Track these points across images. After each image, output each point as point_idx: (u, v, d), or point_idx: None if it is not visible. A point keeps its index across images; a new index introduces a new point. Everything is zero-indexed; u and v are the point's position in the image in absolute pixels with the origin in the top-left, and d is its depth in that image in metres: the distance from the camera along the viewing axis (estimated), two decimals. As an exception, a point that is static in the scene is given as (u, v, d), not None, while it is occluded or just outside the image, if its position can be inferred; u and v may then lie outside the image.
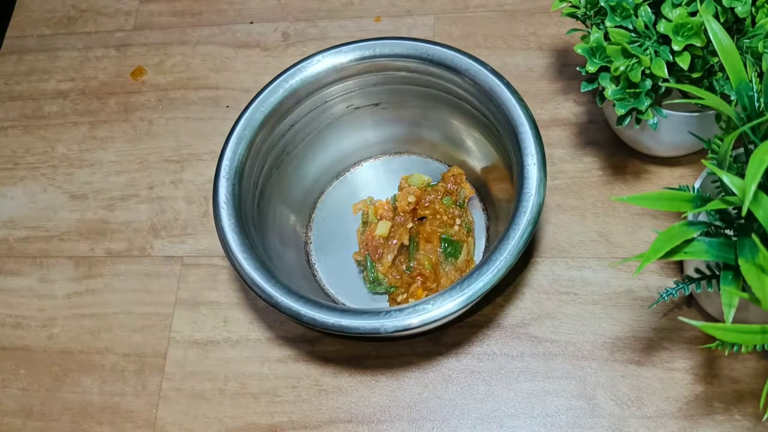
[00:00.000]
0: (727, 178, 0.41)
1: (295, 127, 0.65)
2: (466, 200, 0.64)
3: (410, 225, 0.63)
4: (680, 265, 0.62)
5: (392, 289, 0.62)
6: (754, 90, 0.47)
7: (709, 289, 0.49)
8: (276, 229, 0.65)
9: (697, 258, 0.44)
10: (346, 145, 0.69)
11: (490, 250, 0.55)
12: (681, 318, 0.59)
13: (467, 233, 0.64)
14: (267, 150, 0.63)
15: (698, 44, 0.51)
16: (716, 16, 0.51)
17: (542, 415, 0.58)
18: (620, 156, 0.67)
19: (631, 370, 0.59)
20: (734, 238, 0.44)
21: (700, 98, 0.46)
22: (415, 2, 0.79)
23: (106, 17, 0.84)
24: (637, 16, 0.53)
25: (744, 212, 0.39)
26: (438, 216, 0.63)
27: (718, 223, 0.48)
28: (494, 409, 0.59)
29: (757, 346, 0.41)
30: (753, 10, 0.52)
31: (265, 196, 0.63)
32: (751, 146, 0.46)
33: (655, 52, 0.53)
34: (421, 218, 0.64)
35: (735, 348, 0.44)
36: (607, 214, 0.65)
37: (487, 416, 0.59)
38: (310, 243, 0.67)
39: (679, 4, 0.52)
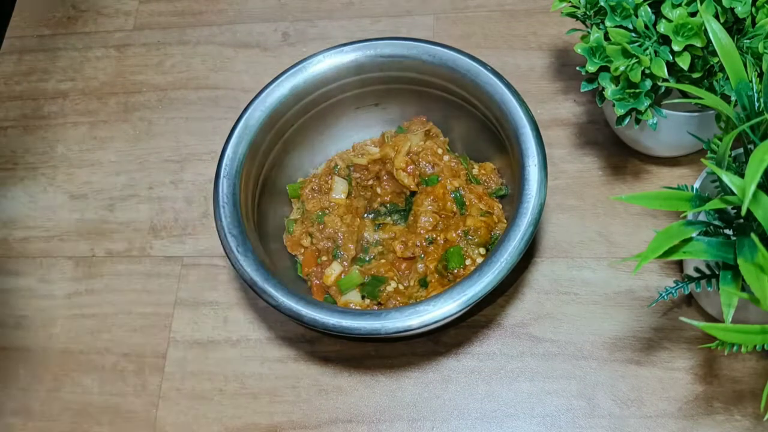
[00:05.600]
0: (727, 178, 0.41)
1: (295, 126, 0.65)
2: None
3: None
4: (680, 265, 0.62)
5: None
6: (754, 90, 0.47)
7: (709, 289, 0.50)
8: (276, 229, 0.65)
9: (696, 257, 0.44)
10: (346, 145, 0.69)
11: (491, 251, 0.55)
12: (681, 318, 0.59)
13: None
14: (267, 150, 0.63)
15: (698, 44, 0.51)
16: (716, 17, 0.51)
17: (542, 415, 0.58)
18: (620, 156, 0.67)
19: (631, 370, 0.59)
20: (733, 238, 0.45)
21: (699, 98, 0.46)
22: (415, 2, 0.79)
23: (106, 17, 0.84)
24: (637, 16, 0.53)
25: (743, 212, 0.39)
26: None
27: (717, 222, 0.48)
28: (494, 409, 0.59)
29: (757, 346, 0.41)
30: (753, 10, 0.52)
31: (265, 196, 0.63)
32: (750, 146, 0.46)
33: (655, 52, 0.53)
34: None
35: (735, 348, 0.44)
36: (607, 214, 0.65)
37: (487, 416, 0.59)
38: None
39: (679, 5, 0.52)
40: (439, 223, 0.61)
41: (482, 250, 0.60)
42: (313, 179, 0.65)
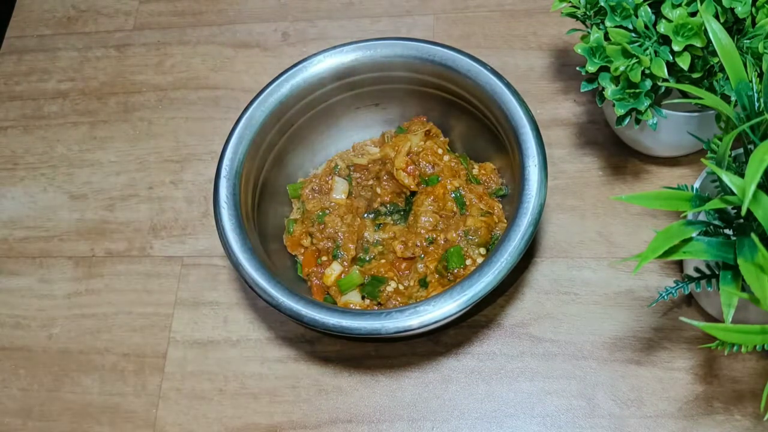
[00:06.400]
0: (727, 177, 0.41)
1: (295, 126, 0.65)
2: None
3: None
4: (680, 265, 0.62)
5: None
6: (754, 90, 0.47)
7: (709, 288, 0.50)
8: (276, 229, 0.65)
9: (696, 257, 0.44)
10: (346, 145, 0.69)
11: (491, 251, 0.55)
12: (681, 318, 0.59)
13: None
14: (267, 150, 0.63)
15: (698, 44, 0.51)
16: (716, 17, 0.51)
17: (542, 415, 0.58)
18: (620, 156, 0.67)
19: (631, 370, 0.59)
20: (733, 238, 0.45)
21: (699, 98, 0.46)
22: (415, 2, 0.79)
23: (106, 17, 0.84)
24: (637, 16, 0.53)
25: (743, 212, 0.39)
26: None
27: (717, 222, 0.48)
28: (494, 409, 0.59)
29: (757, 346, 0.41)
30: (753, 10, 0.52)
31: (265, 195, 0.63)
32: (750, 146, 0.46)
33: (655, 52, 0.53)
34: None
35: (735, 348, 0.44)
36: (607, 214, 0.65)
37: (487, 416, 0.59)
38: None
39: (679, 5, 0.52)
40: (440, 223, 0.61)
41: (482, 250, 0.60)
42: (314, 179, 0.65)
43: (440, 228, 0.61)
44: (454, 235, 0.60)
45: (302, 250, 0.63)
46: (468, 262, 0.59)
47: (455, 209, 0.61)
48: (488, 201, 0.62)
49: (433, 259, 0.60)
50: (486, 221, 0.60)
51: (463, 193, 0.62)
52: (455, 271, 0.59)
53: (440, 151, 0.64)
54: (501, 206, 0.63)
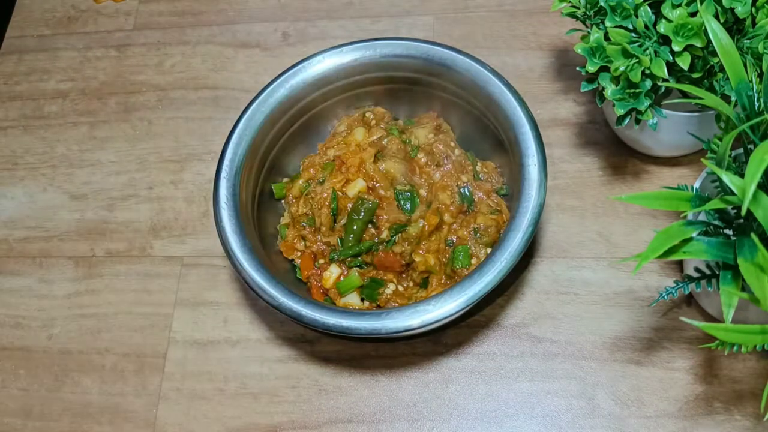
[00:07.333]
0: (727, 177, 0.41)
1: (296, 127, 0.65)
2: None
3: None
4: (680, 265, 0.62)
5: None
6: (754, 90, 0.47)
7: (709, 288, 0.50)
8: (276, 230, 0.65)
9: (696, 257, 0.44)
10: (346, 145, 0.69)
11: (491, 250, 0.55)
12: (682, 318, 0.59)
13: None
14: (267, 150, 0.63)
15: (698, 44, 0.51)
16: (716, 17, 0.51)
17: (542, 415, 0.58)
18: (620, 156, 0.67)
19: (631, 370, 0.59)
20: (733, 238, 0.45)
21: (699, 98, 0.46)
22: (415, 2, 0.79)
23: (106, 17, 0.84)
24: (637, 16, 0.53)
25: (743, 212, 0.39)
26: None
27: (717, 222, 0.48)
28: (494, 409, 0.59)
29: (757, 346, 0.41)
30: (753, 10, 0.52)
31: (265, 196, 0.63)
32: (750, 146, 0.46)
33: (655, 52, 0.53)
34: None
35: (735, 348, 0.44)
36: (607, 214, 0.65)
37: (487, 416, 0.59)
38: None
39: (679, 5, 0.52)
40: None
41: (488, 250, 0.60)
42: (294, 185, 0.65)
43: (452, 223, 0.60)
44: (465, 232, 0.60)
45: (298, 254, 0.63)
46: (473, 261, 0.59)
47: (464, 207, 0.61)
48: (497, 198, 0.62)
49: (434, 251, 0.59)
50: (496, 219, 0.60)
51: (471, 189, 0.61)
52: (460, 270, 0.59)
53: (452, 143, 0.64)
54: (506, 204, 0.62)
